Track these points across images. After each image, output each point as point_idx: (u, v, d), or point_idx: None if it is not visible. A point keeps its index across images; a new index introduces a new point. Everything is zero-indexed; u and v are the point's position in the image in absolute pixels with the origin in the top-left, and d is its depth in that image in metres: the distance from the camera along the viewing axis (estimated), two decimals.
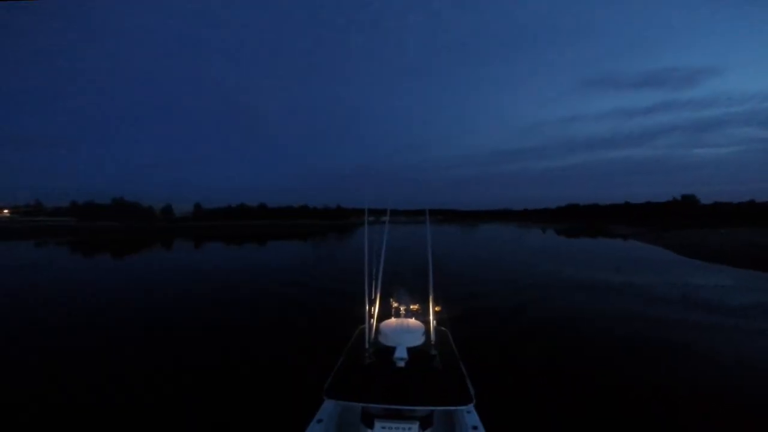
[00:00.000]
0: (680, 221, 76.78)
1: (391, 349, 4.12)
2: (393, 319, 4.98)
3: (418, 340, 4.47)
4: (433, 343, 4.40)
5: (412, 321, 4.89)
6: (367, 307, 4.73)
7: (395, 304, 5.30)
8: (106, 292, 15.83)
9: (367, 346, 4.23)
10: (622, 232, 61.05)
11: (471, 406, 3.44)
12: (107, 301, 14.09)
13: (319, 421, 4.02)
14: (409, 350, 4.11)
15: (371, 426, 3.51)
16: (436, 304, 4.92)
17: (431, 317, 4.81)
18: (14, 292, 16.28)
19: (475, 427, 3.84)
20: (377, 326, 4.73)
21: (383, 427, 3.46)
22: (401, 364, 3.86)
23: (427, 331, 4.66)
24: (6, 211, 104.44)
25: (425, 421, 3.57)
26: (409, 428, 3.45)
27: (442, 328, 5.28)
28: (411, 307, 5.26)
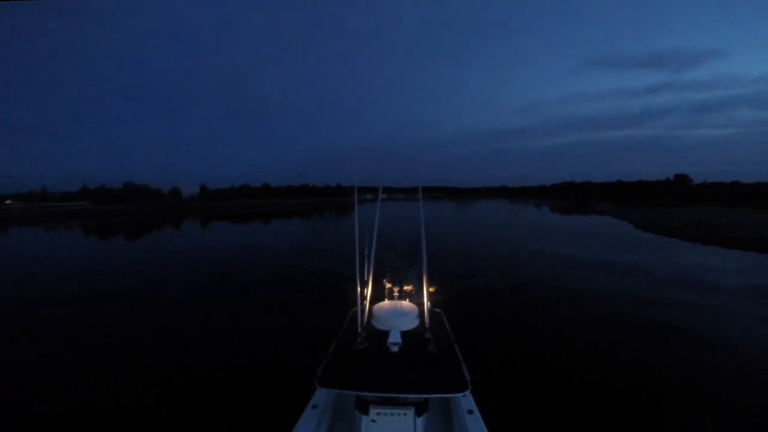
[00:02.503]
0: (667, 200, 79.96)
1: (385, 334, 4.03)
2: (386, 302, 4.85)
3: (413, 323, 4.39)
4: (427, 325, 4.28)
5: (406, 303, 4.78)
6: (359, 289, 4.51)
7: (388, 285, 5.15)
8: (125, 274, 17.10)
9: (359, 330, 4.13)
10: (604, 209, 64.98)
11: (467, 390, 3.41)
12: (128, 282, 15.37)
13: (314, 407, 3.94)
14: (404, 334, 4.02)
15: (366, 412, 3.45)
16: (430, 284, 4.73)
17: (425, 298, 4.60)
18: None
19: (470, 411, 3.78)
20: (370, 309, 4.65)
21: (378, 414, 3.42)
22: (395, 349, 3.78)
23: (421, 314, 4.53)
24: (8, 200, 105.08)
25: (421, 407, 3.52)
26: (405, 414, 3.40)
27: (437, 310, 5.14)
28: (404, 288, 5.13)
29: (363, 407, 3.51)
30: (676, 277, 15.14)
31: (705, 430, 5.24)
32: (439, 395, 3.68)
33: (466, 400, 3.96)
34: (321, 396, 4.14)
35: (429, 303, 4.57)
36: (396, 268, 6.19)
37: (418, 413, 3.46)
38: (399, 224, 22.86)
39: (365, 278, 4.95)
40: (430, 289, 4.77)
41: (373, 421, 3.45)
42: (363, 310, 4.44)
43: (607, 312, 10.77)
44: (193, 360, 7.64)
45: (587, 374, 6.83)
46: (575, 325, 9.60)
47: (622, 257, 19.73)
